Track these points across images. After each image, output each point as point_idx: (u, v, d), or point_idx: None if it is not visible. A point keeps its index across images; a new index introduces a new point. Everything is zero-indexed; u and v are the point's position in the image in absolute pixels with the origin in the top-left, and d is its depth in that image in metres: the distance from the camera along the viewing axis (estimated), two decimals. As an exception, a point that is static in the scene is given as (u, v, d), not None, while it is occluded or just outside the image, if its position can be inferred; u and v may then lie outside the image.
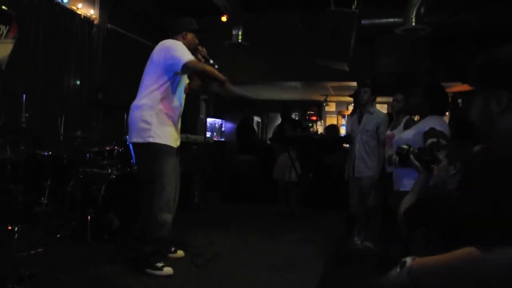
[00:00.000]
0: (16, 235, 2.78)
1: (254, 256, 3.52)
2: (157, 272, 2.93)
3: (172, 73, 3.03)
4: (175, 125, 3.14)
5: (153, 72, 3.07)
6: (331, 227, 4.83)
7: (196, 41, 3.31)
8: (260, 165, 6.54)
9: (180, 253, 3.40)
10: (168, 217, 3.02)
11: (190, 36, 3.26)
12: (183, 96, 3.26)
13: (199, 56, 3.29)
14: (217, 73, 3.07)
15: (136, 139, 3.04)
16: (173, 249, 3.38)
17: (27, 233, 2.98)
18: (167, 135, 3.04)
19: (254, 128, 7.50)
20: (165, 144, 3.01)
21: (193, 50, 3.23)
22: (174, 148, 3.11)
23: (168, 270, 2.97)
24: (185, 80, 3.23)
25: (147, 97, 3.05)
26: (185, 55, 2.99)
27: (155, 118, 3.00)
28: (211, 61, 3.26)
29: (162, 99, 3.04)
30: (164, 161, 3.00)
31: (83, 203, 3.71)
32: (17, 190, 3.61)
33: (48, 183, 3.94)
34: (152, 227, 2.98)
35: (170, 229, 3.06)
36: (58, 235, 3.54)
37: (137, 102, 3.09)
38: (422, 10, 4.91)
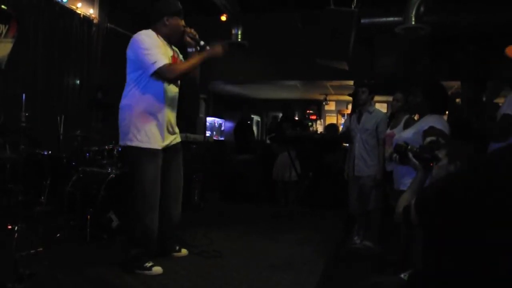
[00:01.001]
0: (16, 234, 2.77)
1: (254, 256, 3.51)
2: (147, 272, 2.90)
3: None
4: (162, 123, 2.96)
5: (129, 70, 2.94)
6: (330, 227, 4.82)
7: (182, 23, 3.05)
8: (259, 165, 6.53)
9: (184, 251, 3.40)
10: (153, 220, 2.95)
11: (173, 20, 3.00)
12: (173, 90, 3.08)
13: (188, 39, 3.07)
14: (198, 61, 2.91)
15: (120, 141, 3.01)
16: (177, 247, 3.38)
17: (27, 232, 2.97)
18: (149, 136, 2.90)
19: (252, 128, 7.48)
20: (144, 148, 2.89)
21: (179, 35, 3.06)
22: (159, 149, 2.96)
23: (157, 269, 2.93)
24: None
25: (127, 97, 2.95)
26: (152, 59, 2.79)
27: (134, 119, 2.89)
28: (202, 42, 3.04)
29: (142, 97, 2.89)
30: (145, 165, 2.89)
31: (83, 203, 3.71)
32: (17, 190, 3.60)
33: (48, 182, 3.93)
34: (137, 230, 2.95)
35: (156, 232, 2.99)
36: (58, 235, 3.54)
37: (120, 103, 2.99)
38: (421, 9, 4.91)
